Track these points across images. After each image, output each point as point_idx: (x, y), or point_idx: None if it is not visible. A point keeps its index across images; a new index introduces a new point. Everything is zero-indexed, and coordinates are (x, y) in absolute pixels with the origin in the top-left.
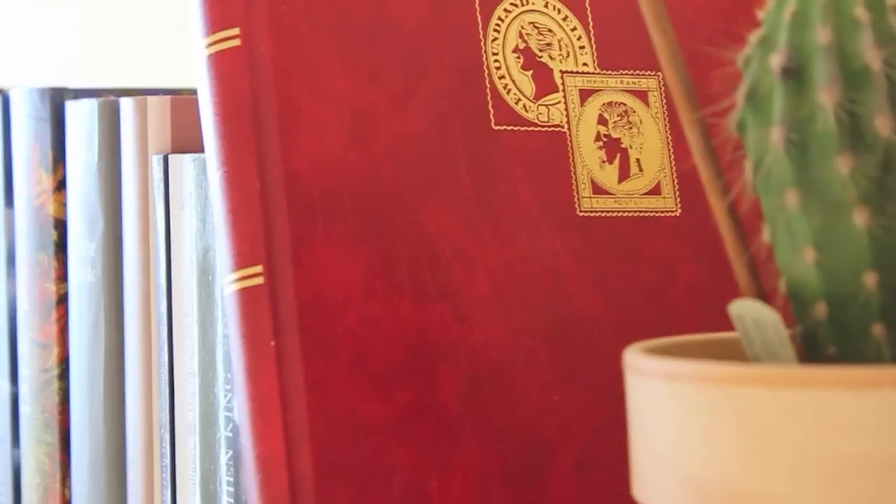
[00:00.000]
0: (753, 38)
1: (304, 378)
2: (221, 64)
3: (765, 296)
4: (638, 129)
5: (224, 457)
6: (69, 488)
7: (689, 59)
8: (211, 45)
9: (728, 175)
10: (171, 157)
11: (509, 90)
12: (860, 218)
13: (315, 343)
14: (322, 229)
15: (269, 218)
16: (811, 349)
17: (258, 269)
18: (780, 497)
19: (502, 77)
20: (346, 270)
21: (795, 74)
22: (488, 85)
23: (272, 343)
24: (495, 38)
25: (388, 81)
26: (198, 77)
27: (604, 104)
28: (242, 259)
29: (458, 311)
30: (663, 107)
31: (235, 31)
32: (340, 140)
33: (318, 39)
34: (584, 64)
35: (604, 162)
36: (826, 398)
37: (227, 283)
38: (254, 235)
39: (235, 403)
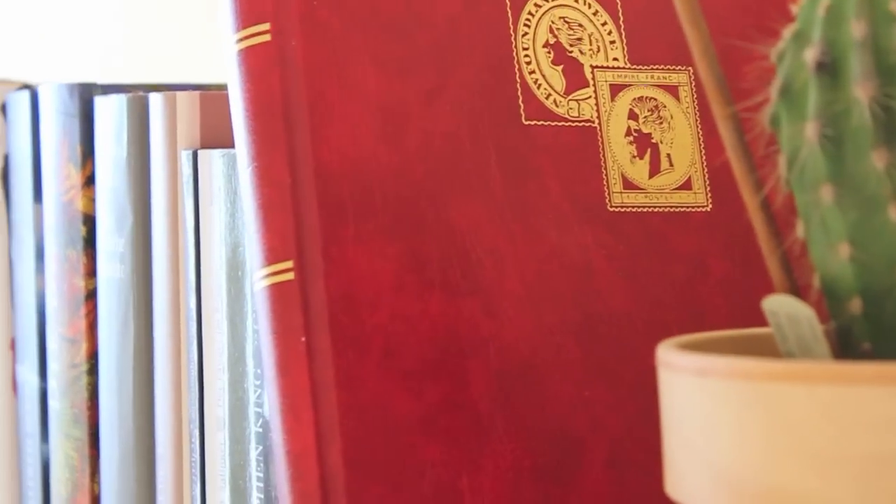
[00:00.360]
0: (787, 32)
1: (335, 374)
2: (252, 59)
3: (798, 291)
4: (668, 124)
5: (254, 452)
6: (98, 483)
7: (721, 54)
8: (241, 40)
9: (761, 170)
10: (200, 152)
11: (539, 85)
12: None
13: (346, 339)
14: (353, 225)
15: (300, 214)
16: (845, 345)
17: (289, 264)
18: (813, 493)
19: (532, 72)
20: (377, 266)
21: (830, 69)
22: (518, 80)
23: (303, 339)
24: (525, 33)
25: (419, 77)
26: (228, 73)
27: (634, 99)
28: (273, 255)
29: (488, 307)
30: (694, 102)
31: (266, 26)
32: (371, 136)
33: (348, 35)
34: (615, 59)
35: (634, 157)
36: (861, 394)
37: (258, 279)
38: (284, 231)
39: (266, 399)
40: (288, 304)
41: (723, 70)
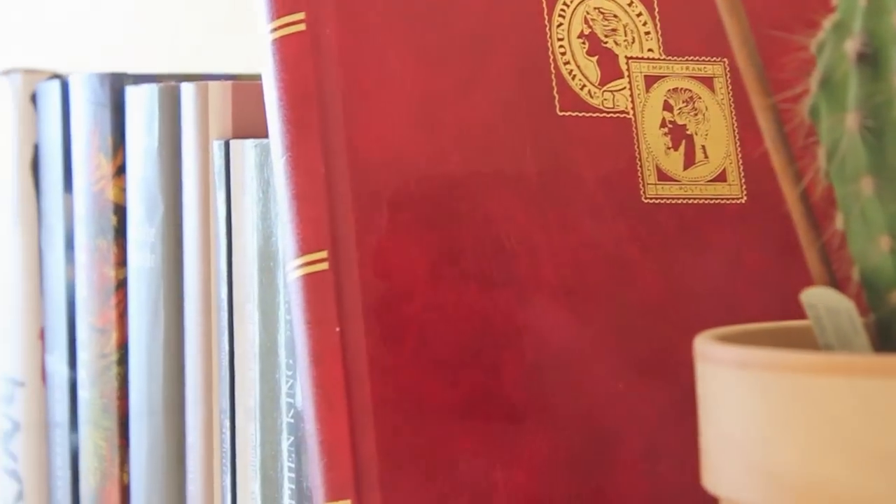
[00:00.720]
0: (827, 23)
1: (369, 364)
2: (286, 49)
3: (837, 284)
4: (703, 115)
5: (285, 443)
6: (127, 473)
7: (760, 44)
8: (276, 29)
9: (800, 162)
10: (231, 142)
11: (574, 76)
12: None
13: (380, 329)
14: (387, 215)
15: (334, 203)
16: (885, 337)
17: (323, 254)
18: (854, 487)
19: (567, 63)
20: (411, 256)
21: (871, 60)
22: (553, 71)
23: (337, 329)
24: (560, 24)
25: (454, 67)
26: (262, 62)
27: (669, 90)
28: (307, 244)
29: (522, 298)
30: (729, 93)
31: (301, 15)
32: (406, 125)
33: (383, 24)
34: (650, 50)
35: (669, 148)
36: None
37: (292, 269)
38: (319, 221)
39: (299, 389)
40: (322, 293)
41: (762, 61)
